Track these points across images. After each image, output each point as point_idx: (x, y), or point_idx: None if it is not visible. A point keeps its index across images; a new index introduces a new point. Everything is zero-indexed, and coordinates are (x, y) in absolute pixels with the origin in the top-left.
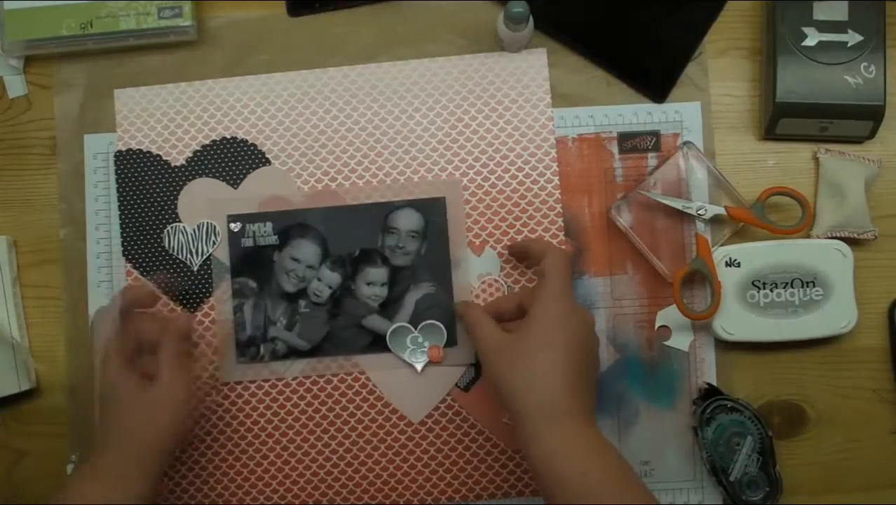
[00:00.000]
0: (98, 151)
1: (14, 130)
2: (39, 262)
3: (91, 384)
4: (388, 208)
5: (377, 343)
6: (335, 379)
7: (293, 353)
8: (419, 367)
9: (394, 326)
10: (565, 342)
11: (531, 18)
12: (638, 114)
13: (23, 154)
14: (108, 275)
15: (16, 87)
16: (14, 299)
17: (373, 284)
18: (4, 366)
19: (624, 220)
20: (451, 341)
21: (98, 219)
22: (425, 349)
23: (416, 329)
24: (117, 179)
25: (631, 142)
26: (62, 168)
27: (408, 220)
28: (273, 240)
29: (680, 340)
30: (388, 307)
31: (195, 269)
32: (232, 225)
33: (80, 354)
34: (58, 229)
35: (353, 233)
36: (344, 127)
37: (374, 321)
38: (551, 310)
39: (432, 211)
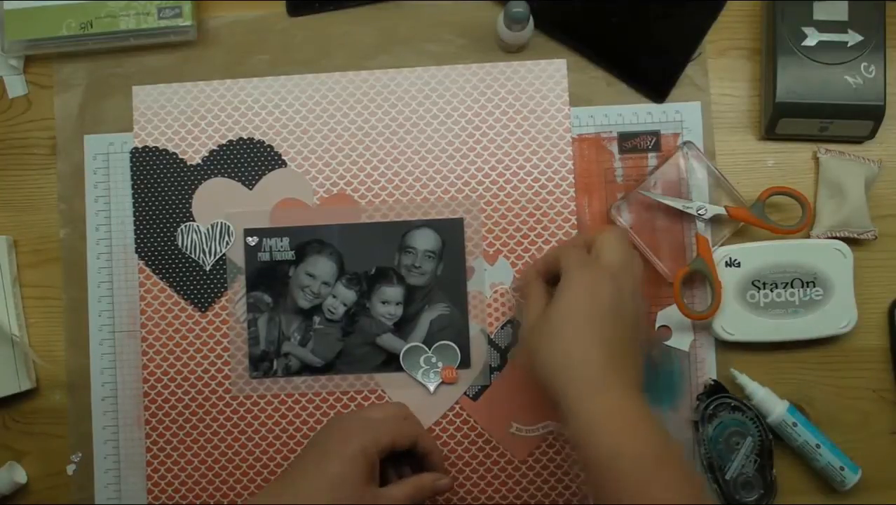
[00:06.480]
0: (98, 152)
1: (14, 130)
2: (39, 262)
3: (89, 383)
4: (405, 227)
5: (390, 362)
6: (345, 397)
7: (306, 369)
8: (432, 387)
9: (408, 346)
10: (590, 312)
11: (531, 18)
12: (638, 114)
13: (23, 154)
14: (108, 275)
15: (16, 87)
16: (14, 299)
17: (388, 302)
18: (4, 366)
19: (624, 219)
20: (464, 363)
21: (98, 219)
22: (438, 370)
23: (429, 349)
24: (132, 176)
25: (631, 142)
26: (62, 168)
27: (425, 240)
28: (289, 255)
29: (680, 340)
30: (402, 326)
31: (207, 268)
32: (249, 239)
33: (80, 354)
34: (58, 229)
35: (370, 251)
36: (361, 131)
37: (388, 340)
38: (576, 279)
39: (450, 231)
